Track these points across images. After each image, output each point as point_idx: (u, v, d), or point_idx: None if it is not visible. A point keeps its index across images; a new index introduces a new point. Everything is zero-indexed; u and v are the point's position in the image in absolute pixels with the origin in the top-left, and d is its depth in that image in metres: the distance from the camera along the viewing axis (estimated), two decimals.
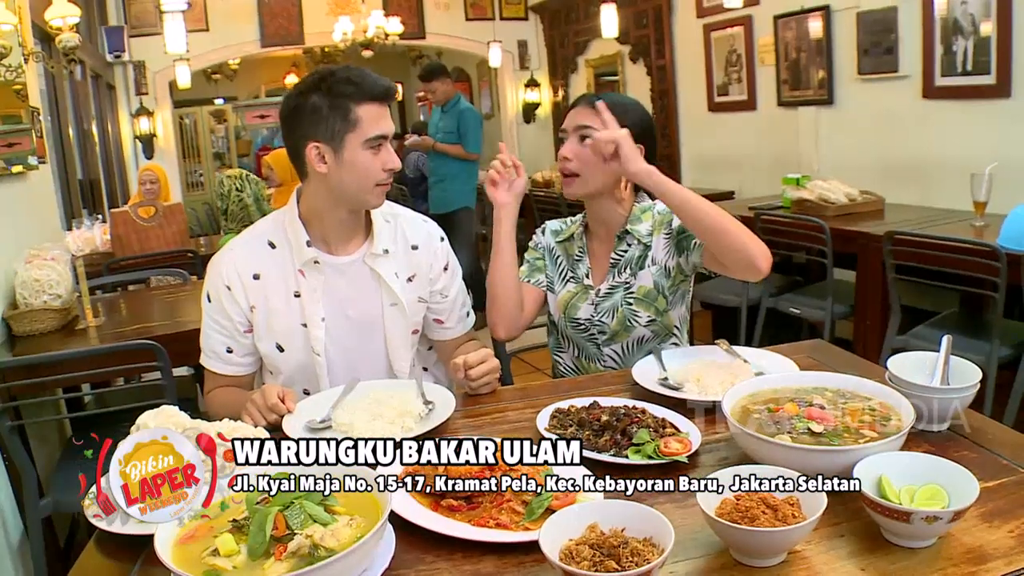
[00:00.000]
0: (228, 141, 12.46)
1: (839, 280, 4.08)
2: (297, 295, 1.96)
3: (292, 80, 14.27)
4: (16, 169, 3.36)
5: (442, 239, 2.16)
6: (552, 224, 2.32)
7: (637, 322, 2.08)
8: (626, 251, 2.13)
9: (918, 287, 3.64)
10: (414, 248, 2.08)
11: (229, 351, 2.00)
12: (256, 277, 1.96)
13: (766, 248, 1.86)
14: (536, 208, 6.58)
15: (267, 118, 12.63)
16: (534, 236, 2.31)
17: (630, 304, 2.09)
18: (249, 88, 14.49)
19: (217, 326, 1.99)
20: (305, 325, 1.95)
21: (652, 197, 2.13)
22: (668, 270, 2.09)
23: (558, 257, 2.25)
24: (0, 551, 2.57)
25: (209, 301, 1.99)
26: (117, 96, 8.11)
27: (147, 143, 8.25)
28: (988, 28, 4.24)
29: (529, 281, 2.21)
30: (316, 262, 1.95)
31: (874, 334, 3.72)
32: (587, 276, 2.17)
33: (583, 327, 2.15)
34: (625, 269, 2.12)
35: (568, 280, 2.20)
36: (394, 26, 8.47)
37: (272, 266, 1.97)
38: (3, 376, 2.46)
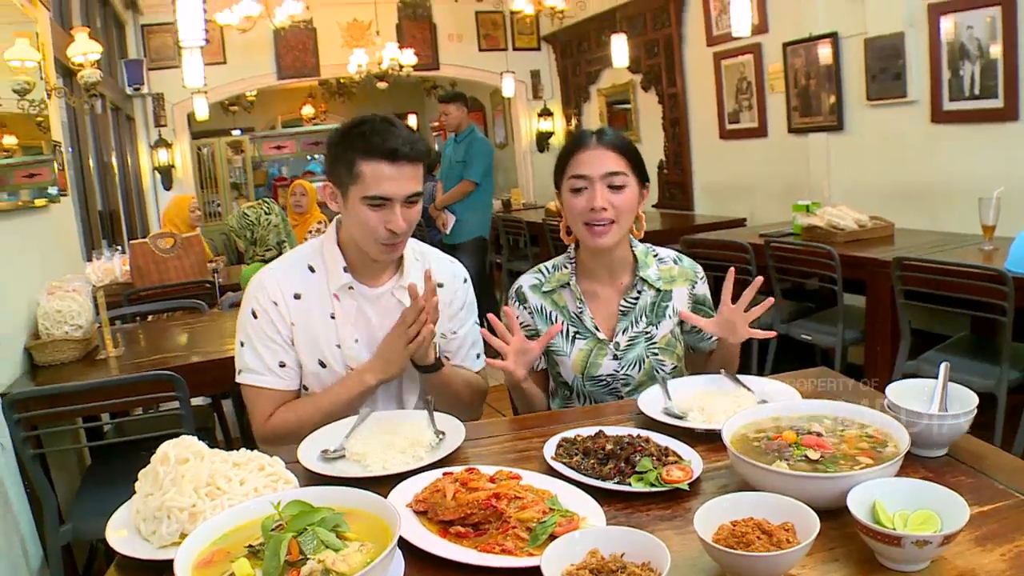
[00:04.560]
0: (245, 172, 12.59)
1: (850, 306, 4.11)
2: (333, 316, 2.01)
3: (308, 111, 14.45)
4: (40, 203, 3.45)
5: (465, 280, 2.20)
6: (526, 281, 2.19)
7: (663, 370, 2.08)
8: (637, 298, 2.10)
9: (930, 312, 3.66)
10: (440, 286, 2.11)
11: (282, 365, 2.00)
12: (297, 297, 2.01)
13: None
14: (551, 237, 6.62)
15: (283, 149, 12.77)
16: (511, 308, 2.13)
17: (656, 354, 2.08)
18: (266, 119, 14.66)
19: (268, 340, 1.99)
20: (339, 346, 2.01)
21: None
22: (681, 322, 2.12)
23: (551, 314, 2.14)
24: None
25: (256, 318, 2.00)
26: (136, 128, 8.25)
27: (165, 174, 8.38)
28: (995, 52, 4.29)
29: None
30: (350, 288, 2.01)
31: (885, 359, 3.73)
32: (596, 329, 2.10)
33: (605, 383, 2.10)
34: (641, 317, 2.09)
35: (575, 337, 2.11)
36: (408, 57, 8.60)
37: (312, 289, 2.02)
38: (26, 406, 2.51)
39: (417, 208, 1.97)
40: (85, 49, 4.11)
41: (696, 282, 2.14)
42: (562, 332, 2.11)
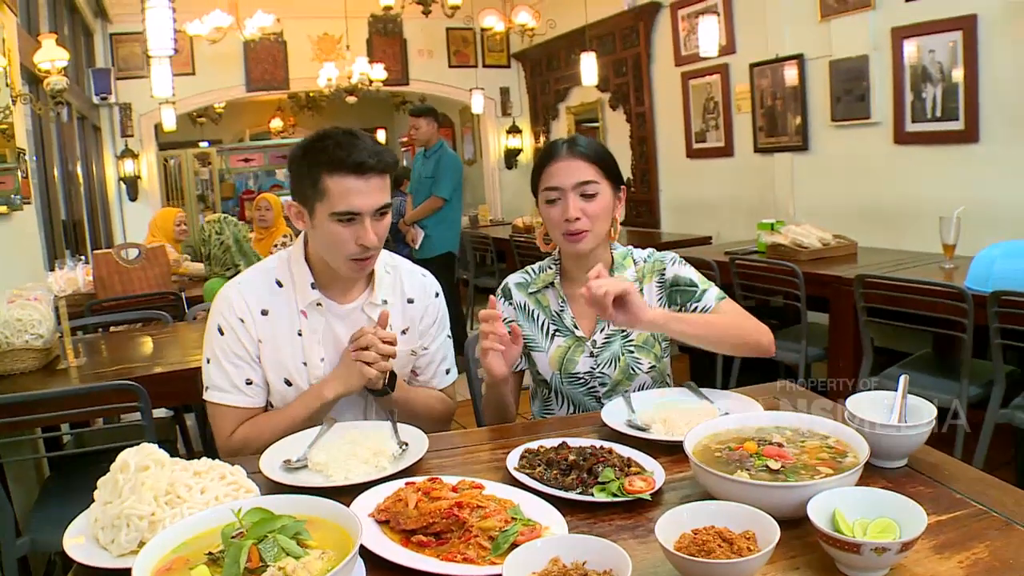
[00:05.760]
0: (212, 184, 12.52)
1: (813, 323, 4.15)
2: (300, 334, 1.99)
3: (277, 124, 14.40)
4: (1, 210, 3.40)
5: (437, 295, 2.18)
6: (513, 279, 2.23)
7: (639, 369, 2.08)
8: None
9: (892, 329, 3.72)
10: (410, 301, 2.11)
11: (249, 382, 1.97)
12: (264, 313, 1.98)
13: (768, 331, 1.98)
14: (517, 254, 6.65)
15: (251, 162, 12.72)
16: (497, 304, 2.11)
17: (632, 352, 2.08)
18: (234, 131, 14.60)
19: (235, 358, 1.96)
20: (305, 364, 1.98)
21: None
22: (668, 307, 2.11)
23: (533, 312, 2.17)
24: None
25: (222, 334, 1.96)
26: (102, 138, 8.18)
27: (131, 185, 8.31)
28: (956, 76, 4.39)
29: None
30: (319, 304, 1.99)
31: (847, 375, 3.77)
32: (575, 327, 2.12)
33: (582, 381, 2.10)
34: None
35: (555, 335, 2.13)
36: (378, 72, 8.60)
37: (280, 304, 1.99)
38: None
39: (387, 221, 1.94)
40: (52, 56, 4.08)
41: (664, 270, 2.14)
42: (542, 329, 2.14)
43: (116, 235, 8.15)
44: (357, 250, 1.88)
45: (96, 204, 7.70)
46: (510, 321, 2.12)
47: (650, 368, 2.09)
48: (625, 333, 2.09)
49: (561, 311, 2.14)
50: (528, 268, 2.25)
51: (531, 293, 2.19)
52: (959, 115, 4.41)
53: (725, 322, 1.99)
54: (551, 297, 2.17)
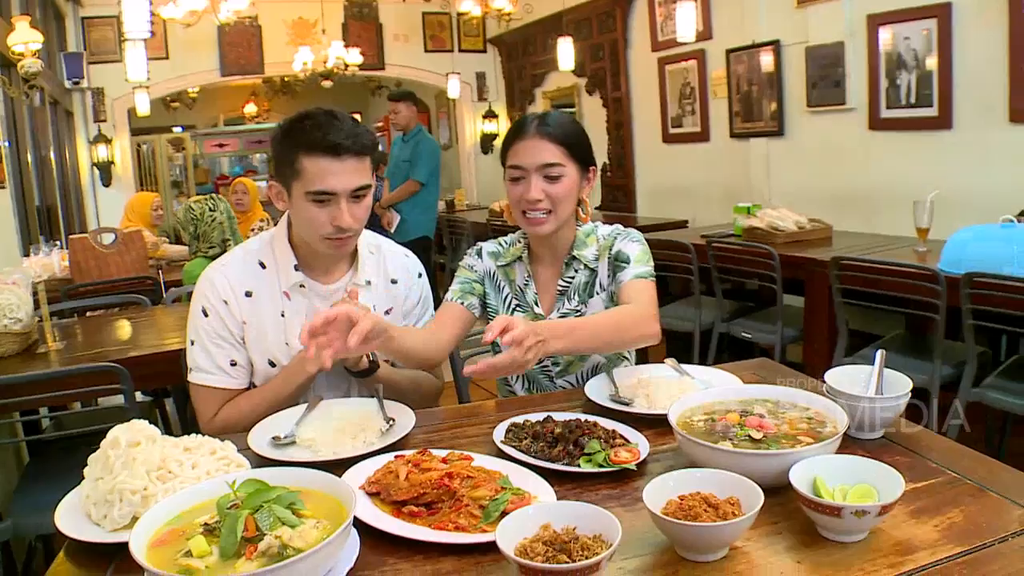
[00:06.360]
0: (186, 170, 12.43)
1: (789, 305, 4.20)
2: (283, 315, 2.00)
3: (251, 109, 14.30)
4: None
5: (420, 275, 2.20)
6: (488, 246, 2.23)
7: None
8: (573, 277, 2.11)
9: (867, 312, 3.77)
10: (393, 282, 2.13)
11: (233, 363, 1.99)
12: (248, 294, 2.00)
13: (652, 321, 1.90)
14: (493, 238, 6.65)
15: (226, 147, 12.63)
16: (467, 257, 2.22)
17: None
18: (208, 117, 14.47)
19: (219, 339, 1.98)
20: (288, 344, 2.00)
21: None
22: (612, 296, 2.09)
23: (500, 283, 2.18)
24: None
25: (206, 316, 1.98)
26: (75, 123, 8.10)
27: (104, 170, 8.24)
28: (930, 63, 4.44)
29: (462, 303, 2.11)
30: (302, 286, 2.00)
31: (822, 357, 3.83)
32: (536, 304, 2.12)
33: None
34: (574, 296, 2.10)
35: (515, 309, 2.14)
36: (354, 57, 8.57)
37: (263, 286, 2.01)
38: None
39: (366, 203, 1.94)
40: (26, 38, 4.04)
41: (612, 246, 2.10)
42: (505, 301, 2.15)
43: (90, 221, 8.09)
44: (332, 230, 1.89)
45: (69, 190, 7.63)
46: (476, 281, 2.16)
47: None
48: (579, 312, 2.08)
49: (525, 286, 2.14)
50: (500, 239, 2.24)
51: (500, 266, 2.18)
52: (933, 102, 4.46)
53: (610, 323, 1.88)
54: (518, 271, 2.16)
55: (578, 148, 2.04)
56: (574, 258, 2.10)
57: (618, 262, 2.06)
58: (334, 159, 1.83)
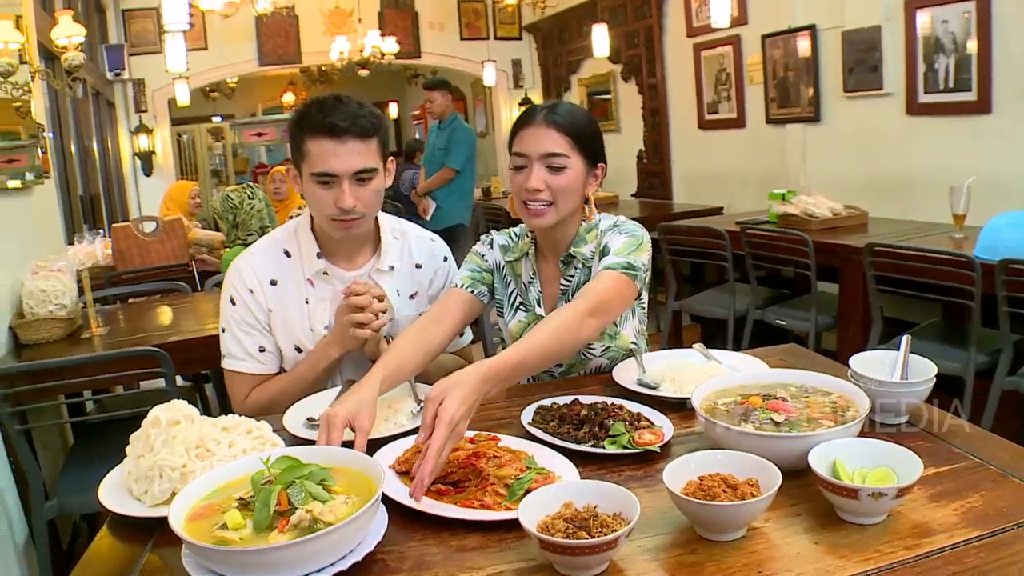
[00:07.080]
0: (226, 158, 12.57)
1: (823, 292, 4.19)
2: (307, 302, 2.06)
3: (289, 99, 14.42)
4: (13, 184, 3.46)
5: (446, 259, 2.24)
6: (499, 238, 2.17)
7: (591, 354, 2.03)
8: (573, 276, 2.04)
9: (901, 299, 3.75)
10: (418, 267, 2.17)
11: (262, 349, 2.06)
12: (273, 283, 2.06)
13: (588, 320, 1.74)
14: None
15: (264, 136, 12.74)
16: (479, 245, 2.16)
17: None
18: (246, 106, 14.63)
19: (247, 327, 2.05)
20: (313, 331, 2.05)
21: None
22: None
23: (507, 278, 2.13)
24: (7, 553, 2.65)
25: (234, 304, 2.05)
26: (117, 113, 8.24)
27: (146, 160, 8.38)
28: (970, 47, 4.37)
29: (472, 291, 2.05)
30: (325, 273, 2.06)
31: (856, 344, 3.81)
32: (538, 303, 2.08)
33: None
34: (572, 295, 2.00)
35: (519, 308, 2.11)
36: (390, 45, 8.61)
37: (288, 274, 2.07)
38: (12, 381, 2.54)
39: (372, 186, 1.94)
40: (69, 32, 4.10)
41: (603, 239, 2.01)
42: (510, 298, 2.12)
43: (132, 210, 8.23)
44: (336, 211, 1.92)
45: (112, 179, 7.77)
46: (485, 270, 2.11)
47: (604, 350, 2.02)
48: None
49: (530, 283, 2.10)
50: (510, 231, 2.18)
51: (509, 261, 2.13)
52: (972, 86, 4.39)
53: (552, 339, 1.67)
54: (524, 267, 2.11)
55: (585, 141, 1.96)
56: (572, 256, 2.03)
57: (603, 256, 1.96)
58: (335, 141, 1.87)
